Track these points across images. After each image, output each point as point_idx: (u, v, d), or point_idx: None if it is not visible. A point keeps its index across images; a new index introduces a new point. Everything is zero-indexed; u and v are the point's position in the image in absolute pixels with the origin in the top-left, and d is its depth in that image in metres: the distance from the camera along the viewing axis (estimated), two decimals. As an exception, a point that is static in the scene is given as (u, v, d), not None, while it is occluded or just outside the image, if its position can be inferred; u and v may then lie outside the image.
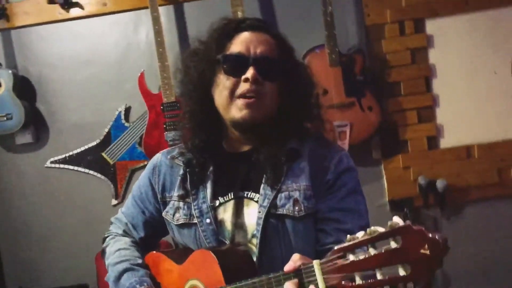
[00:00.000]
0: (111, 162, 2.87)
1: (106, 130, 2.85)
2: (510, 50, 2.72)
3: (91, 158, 2.88)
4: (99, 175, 2.89)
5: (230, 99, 1.21)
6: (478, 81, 2.74)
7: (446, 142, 2.79)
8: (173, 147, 1.41)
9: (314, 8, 2.60)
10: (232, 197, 1.25)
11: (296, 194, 1.21)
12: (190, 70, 1.28)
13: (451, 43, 2.73)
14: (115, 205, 2.88)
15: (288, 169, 1.23)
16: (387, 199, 2.80)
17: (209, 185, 1.27)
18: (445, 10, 2.70)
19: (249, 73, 1.20)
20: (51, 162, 2.90)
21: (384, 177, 2.81)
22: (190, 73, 1.28)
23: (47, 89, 2.87)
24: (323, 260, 0.89)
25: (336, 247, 0.85)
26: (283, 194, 1.21)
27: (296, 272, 0.94)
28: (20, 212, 2.94)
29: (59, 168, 2.89)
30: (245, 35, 1.25)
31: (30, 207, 2.93)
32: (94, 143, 2.87)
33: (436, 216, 2.83)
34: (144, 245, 1.40)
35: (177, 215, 1.29)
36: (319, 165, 1.24)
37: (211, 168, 1.28)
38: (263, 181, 1.23)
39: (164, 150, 1.42)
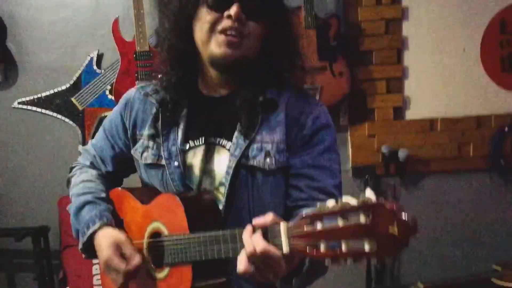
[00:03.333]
0: (80, 108, 2.86)
1: (77, 75, 2.83)
2: (480, 29, 2.79)
3: (60, 102, 2.86)
4: (67, 120, 2.87)
5: (210, 33, 1.15)
6: (447, 56, 2.81)
7: (411, 113, 2.87)
8: (148, 83, 1.35)
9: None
10: (203, 142, 1.21)
11: (268, 147, 1.17)
12: (173, 2, 1.22)
13: (424, 17, 2.78)
14: (81, 151, 2.88)
15: (264, 119, 1.19)
16: (350, 165, 2.88)
17: (181, 127, 1.23)
18: (422, -18, 2.74)
19: (233, 9, 1.12)
20: (19, 103, 2.86)
21: (349, 144, 2.88)
22: (171, 3, 1.22)
23: (19, 28, 2.81)
24: (291, 223, 0.87)
25: (304, 213, 0.83)
26: (255, 145, 1.17)
27: (263, 230, 0.91)
28: (-16, 151, 2.92)
29: (26, 109, 2.87)
30: None
31: (-5, 146, 2.91)
32: (63, 87, 2.85)
33: (395, 185, 2.92)
34: (111, 179, 1.39)
35: (145, 154, 1.26)
36: (296, 119, 1.20)
37: (184, 110, 1.24)
38: (237, 129, 1.18)
39: (139, 85, 1.36)
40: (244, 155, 1.17)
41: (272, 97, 1.22)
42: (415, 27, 2.79)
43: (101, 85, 2.82)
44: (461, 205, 2.91)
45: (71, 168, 1.43)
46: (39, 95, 2.85)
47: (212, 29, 1.15)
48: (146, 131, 1.27)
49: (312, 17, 2.60)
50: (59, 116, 2.88)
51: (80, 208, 1.27)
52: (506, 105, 2.85)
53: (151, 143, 1.25)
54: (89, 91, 2.83)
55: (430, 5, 2.77)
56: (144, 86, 1.33)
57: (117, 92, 2.70)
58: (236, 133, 1.19)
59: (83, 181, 1.33)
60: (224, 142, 1.20)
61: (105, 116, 2.81)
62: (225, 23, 1.13)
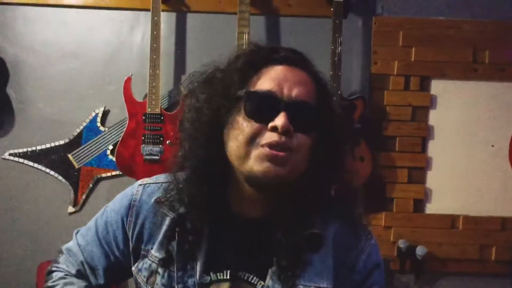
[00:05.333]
0: (77, 166, 2.62)
1: (78, 130, 2.61)
2: (507, 125, 2.66)
3: (55, 158, 2.62)
4: (60, 177, 2.63)
5: (248, 146, 0.93)
6: (474, 151, 2.66)
7: (432, 207, 2.68)
8: (156, 183, 1.09)
9: (323, 45, 2.47)
10: (228, 277, 0.98)
11: None
12: (201, 104, 1.00)
13: (453, 107, 2.65)
14: (71, 213, 2.62)
15: (307, 260, 0.97)
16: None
17: (201, 255, 0.99)
18: (453, 73, 2.62)
19: (280, 120, 0.91)
20: (10, 154, 2.62)
21: (363, 233, 2.65)
22: (199, 108, 1.00)
23: (22, 75, 2.62)
24: None
25: None
26: None
27: None
28: (-37, 202, 2.64)
29: (17, 162, 2.62)
30: (278, 70, 0.97)
31: (-24, 198, 2.64)
32: (61, 142, 2.62)
33: (409, 283, 2.68)
34: None
35: (152, 280, 1.01)
36: (345, 258, 1.00)
37: (206, 231, 1.00)
38: (273, 268, 0.96)
39: (146, 183, 1.10)
40: None
41: (318, 232, 0.99)
42: (442, 116, 2.64)
43: (102, 144, 2.61)
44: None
45: (49, 272, 1.14)
46: (33, 148, 2.62)
47: (252, 141, 0.94)
48: (156, 252, 1.02)
49: (337, 97, 2.44)
50: (51, 172, 2.63)
51: None
52: (532, 208, 2.67)
53: (161, 270, 1.00)
54: (89, 149, 2.61)
55: (459, 95, 2.64)
56: (153, 189, 1.08)
57: (119, 154, 2.49)
58: (271, 273, 0.96)
59: None
60: (255, 280, 0.98)
61: (103, 178, 2.63)
62: (269, 136, 0.92)
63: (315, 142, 0.98)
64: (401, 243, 2.59)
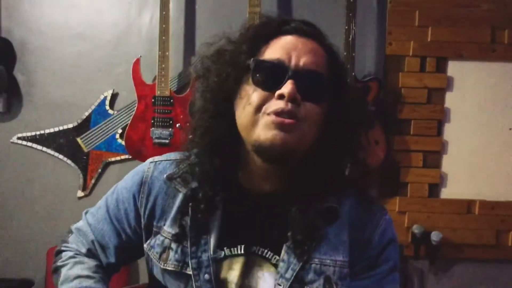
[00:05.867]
0: (86, 150, 2.59)
1: (87, 114, 2.57)
2: (529, 109, 2.58)
3: (63, 142, 2.59)
4: (69, 161, 2.60)
5: (256, 115, 0.92)
6: (491, 134, 2.58)
7: (447, 192, 2.61)
8: (168, 160, 1.08)
9: (337, 26, 2.40)
10: (243, 251, 0.97)
11: (329, 271, 0.94)
12: (210, 75, 1.00)
13: (471, 89, 2.57)
14: (80, 197, 2.59)
15: (323, 234, 0.96)
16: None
17: (214, 230, 0.98)
18: (471, 53, 2.54)
19: (286, 88, 0.90)
20: (18, 138, 2.59)
21: (377, 218, 2.60)
22: (209, 78, 1.00)
23: (29, 58, 2.58)
24: None
25: None
26: (312, 267, 0.94)
27: None
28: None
29: (25, 146, 2.59)
30: (287, 39, 0.96)
31: (-15, 182, 2.62)
32: (70, 126, 2.58)
33: (423, 269, 2.63)
34: (111, 272, 1.12)
35: (165, 256, 1.00)
36: (360, 233, 0.99)
37: (220, 207, 0.99)
38: (288, 242, 0.95)
39: (157, 160, 1.09)
40: (297, 278, 0.94)
41: (333, 205, 0.97)
42: (459, 99, 2.57)
43: (111, 127, 2.57)
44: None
45: (59, 252, 1.12)
46: (41, 132, 2.59)
47: (258, 110, 0.93)
48: (169, 227, 1.01)
49: (351, 79, 2.37)
50: (60, 156, 2.60)
51: None
52: (551, 193, 2.60)
53: (174, 245, 0.99)
54: (98, 133, 2.57)
55: (477, 77, 2.56)
56: (165, 165, 1.06)
57: (128, 137, 2.44)
58: (285, 247, 0.95)
59: (78, 277, 1.04)
60: (269, 254, 0.97)
61: (112, 162, 2.60)
62: (276, 104, 0.91)
63: (327, 113, 0.96)
64: (416, 229, 2.54)
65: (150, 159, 1.10)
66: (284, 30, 0.98)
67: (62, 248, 1.12)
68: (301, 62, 0.93)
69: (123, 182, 1.10)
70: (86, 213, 1.14)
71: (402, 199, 2.59)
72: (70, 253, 1.10)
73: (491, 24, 2.52)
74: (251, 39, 0.98)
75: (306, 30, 0.98)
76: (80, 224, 1.13)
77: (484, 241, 2.58)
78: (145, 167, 1.08)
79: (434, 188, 2.60)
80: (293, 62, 0.93)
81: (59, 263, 1.09)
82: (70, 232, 1.14)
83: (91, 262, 1.08)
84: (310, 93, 0.93)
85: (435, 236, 2.52)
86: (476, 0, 2.52)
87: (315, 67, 0.94)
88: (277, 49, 0.95)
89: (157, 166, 1.07)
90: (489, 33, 2.52)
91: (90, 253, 1.10)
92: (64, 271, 1.06)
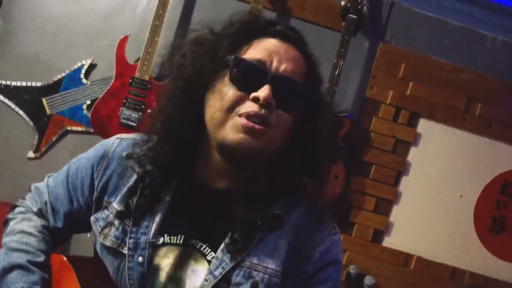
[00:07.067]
0: (48, 112, 2.51)
1: (59, 76, 2.50)
2: (482, 181, 2.69)
3: (27, 98, 2.51)
4: (27, 119, 2.51)
5: (227, 114, 0.91)
6: (443, 197, 2.68)
7: (389, 241, 2.68)
8: (133, 139, 1.07)
9: (326, 57, 2.43)
10: (181, 241, 0.96)
11: (258, 276, 0.92)
12: (186, 61, 0.98)
13: (434, 150, 2.66)
14: (30, 158, 2.50)
15: (261, 238, 0.94)
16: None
17: (158, 215, 0.97)
18: (443, 116, 2.64)
19: (263, 91, 0.89)
20: (-18, 83, 2.50)
21: (318, 250, 2.63)
22: (184, 64, 0.98)
23: (15, 5, 2.49)
24: None
25: None
26: (242, 270, 0.92)
27: None
28: None
29: (-13, 92, 2.50)
30: (271, 42, 0.95)
31: None
32: (39, 84, 2.50)
33: (349, 310, 2.68)
34: (57, 236, 1.11)
35: (106, 231, 0.99)
36: (302, 246, 0.96)
37: (169, 195, 0.98)
38: (226, 240, 0.94)
39: (124, 137, 1.08)
40: (226, 278, 0.92)
41: (279, 214, 0.96)
42: (422, 156, 2.66)
43: (81, 96, 2.50)
44: None
45: (14, 207, 1.12)
46: (7, 82, 2.50)
47: (231, 109, 0.92)
48: (116, 204, 1.00)
49: (330, 111, 2.41)
50: (20, 112, 2.52)
51: (8, 270, 0.98)
52: (483, 265, 2.70)
53: (116, 222, 0.98)
54: (66, 98, 2.50)
55: (443, 140, 2.66)
56: (129, 143, 1.06)
57: (96, 111, 2.39)
58: (223, 246, 0.94)
59: (22, 232, 1.03)
60: (207, 250, 0.95)
61: (72, 131, 2.53)
62: (250, 106, 0.91)
63: (296, 123, 0.96)
64: (352, 269, 2.59)
65: (118, 135, 1.10)
66: (269, 31, 0.97)
67: (17, 204, 1.13)
68: (281, 69, 0.93)
69: (88, 152, 1.10)
70: (49, 176, 1.14)
71: (346, 237, 2.63)
72: (22, 209, 1.11)
73: (467, 94, 2.63)
74: (234, 35, 0.97)
75: (290, 36, 0.98)
76: (40, 184, 1.13)
77: (413, 295, 2.66)
78: (110, 141, 1.08)
79: (379, 234, 2.67)
80: (273, 66, 0.93)
81: (9, 216, 1.10)
82: (29, 190, 1.14)
83: (38, 221, 1.08)
84: (285, 101, 0.93)
85: (368, 280, 2.57)
86: (459, 68, 2.63)
87: (294, 76, 0.94)
88: (259, 50, 0.94)
89: (122, 143, 1.06)
90: (464, 102, 2.63)
91: (40, 213, 1.10)
92: (11, 224, 1.07)
